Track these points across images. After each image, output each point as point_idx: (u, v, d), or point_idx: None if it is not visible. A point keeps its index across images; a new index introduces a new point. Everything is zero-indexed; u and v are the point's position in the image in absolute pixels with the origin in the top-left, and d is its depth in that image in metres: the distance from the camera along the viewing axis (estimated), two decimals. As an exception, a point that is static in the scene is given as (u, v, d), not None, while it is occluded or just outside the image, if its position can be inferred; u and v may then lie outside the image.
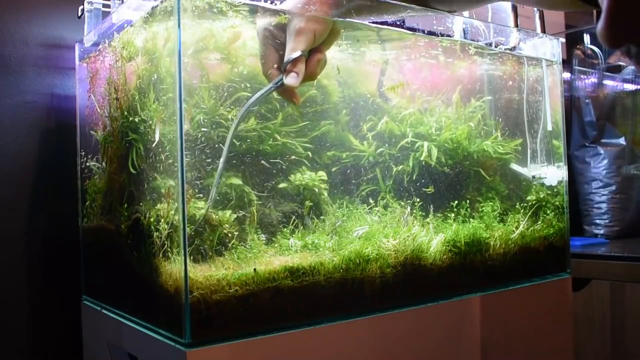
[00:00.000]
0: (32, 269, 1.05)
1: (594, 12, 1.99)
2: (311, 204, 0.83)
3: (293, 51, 0.74)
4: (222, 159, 0.75)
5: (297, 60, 0.74)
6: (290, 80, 0.74)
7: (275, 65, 0.77)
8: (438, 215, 0.94)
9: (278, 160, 0.83)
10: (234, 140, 0.78)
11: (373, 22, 0.89)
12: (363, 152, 0.91)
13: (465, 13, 1.15)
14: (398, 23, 0.90)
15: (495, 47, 1.07)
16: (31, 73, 1.06)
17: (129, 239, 0.82)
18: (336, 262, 0.79)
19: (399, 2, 0.85)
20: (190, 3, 0.72)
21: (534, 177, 1.10)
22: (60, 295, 1.07)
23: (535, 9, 1.38)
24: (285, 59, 0.75)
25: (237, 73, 0.80)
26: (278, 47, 0.77)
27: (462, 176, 1.00)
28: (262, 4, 0.77)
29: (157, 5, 0.76)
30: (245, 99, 0.78)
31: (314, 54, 0.77)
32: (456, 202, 0.97)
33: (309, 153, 0.86)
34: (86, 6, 1.03)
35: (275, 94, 0.80)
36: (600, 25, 0.41)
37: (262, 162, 0.81)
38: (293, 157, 0.84)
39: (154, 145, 0.76)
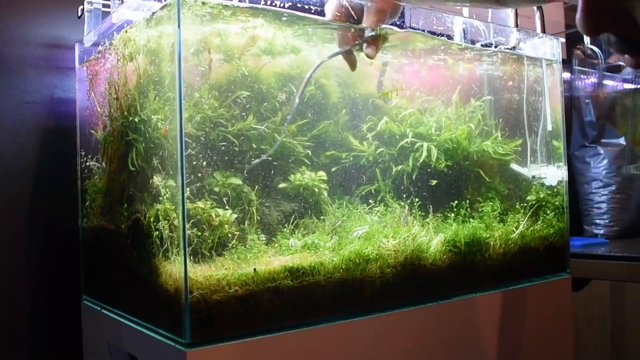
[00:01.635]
0: (32, 269, 1.05)
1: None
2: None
3: (372, 26, 0.85)
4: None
5: (378, 36, 0.87)
6: (371, 51, 0.86)
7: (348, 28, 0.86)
8: (438, 215, 0.94)
9: (278, 160, 0.83)
10: (234, 140, 0.78)
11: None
12: (363, 152, 0.91)
13: (465, 13, 1.15)
14: (398, 23, 0.90)
15: (496, 47, 1.07)
16: (31, 73, 1.06)
17: (129, 239, 0.82)
18: (336, 262, 0.79)
19: None
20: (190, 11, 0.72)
21: (534, 177, 1.10)
22: (60, 295, 1.07)
23: (535, 8, 1.38)
24: (367, 33, 0.87)
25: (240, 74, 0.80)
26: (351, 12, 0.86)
27: (462, 176, 1.00)
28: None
29: (158, 10, 0.76)
30: (242, 99, 0.78)
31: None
32: (456, 202, 0.97)
33: (309, 152, 0.85)
34: (86, 6, 1.02)
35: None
36: (578, 15, 0.43)
37: (265, 156, 0.81)
38: (298, 156, 0.84)
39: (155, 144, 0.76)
